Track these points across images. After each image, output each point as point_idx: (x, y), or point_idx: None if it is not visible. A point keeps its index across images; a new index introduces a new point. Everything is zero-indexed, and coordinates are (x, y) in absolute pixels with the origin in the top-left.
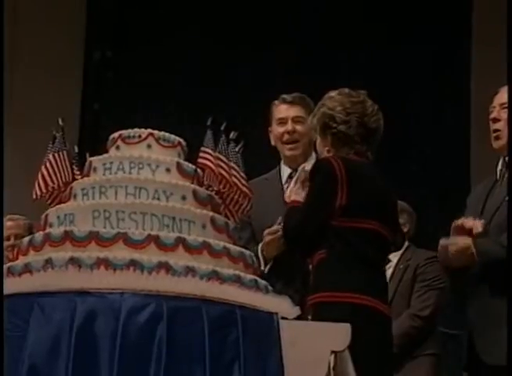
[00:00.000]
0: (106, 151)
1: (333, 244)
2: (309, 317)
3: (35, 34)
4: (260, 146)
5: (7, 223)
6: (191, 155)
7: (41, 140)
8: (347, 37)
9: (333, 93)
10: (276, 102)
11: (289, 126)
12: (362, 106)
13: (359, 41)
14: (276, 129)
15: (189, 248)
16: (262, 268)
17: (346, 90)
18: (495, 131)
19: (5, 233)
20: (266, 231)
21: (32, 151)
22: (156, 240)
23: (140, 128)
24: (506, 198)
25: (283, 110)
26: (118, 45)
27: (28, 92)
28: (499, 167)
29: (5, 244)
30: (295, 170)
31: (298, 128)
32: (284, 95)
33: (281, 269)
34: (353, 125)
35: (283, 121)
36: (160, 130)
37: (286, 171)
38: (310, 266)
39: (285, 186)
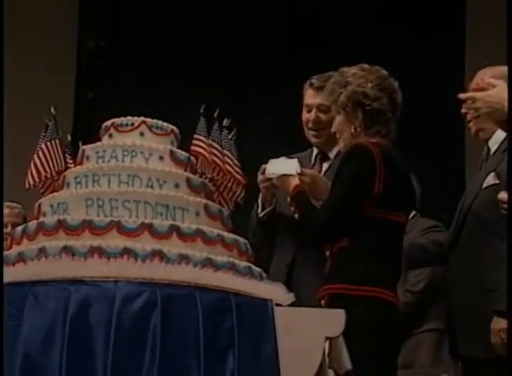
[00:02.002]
0: (100, 139)
1: (359, 233)
2: (323, 305)
3: (28, 24)
4: (255, 135)
5: (4, 211)
6: (184, 143)
7: (35, 130)
8: (347, 32)
9: (353, 69)
10: (306, 85)
11: (312, 114)
12: (390, 83)
13: (359, 38)
14: (303, 114)
15: (183, 236)
16: (259, 211)
17: (365, 65)
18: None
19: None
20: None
21: (26, 140)
22: (149, 228)
23: (134, 116)
24: (483, 186)
25: (309, 95)
26: (112, 34)
27: (21, 82)
28: (483, 154)
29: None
30: (322, 152)
31: (322, 116)
32: (314, 80)
33: (278, 221)
34: (384, 102)
35: (308, 108)
36: (153, 118)
37: (314, 151)
38: (327, 253)
39: (309, 167)
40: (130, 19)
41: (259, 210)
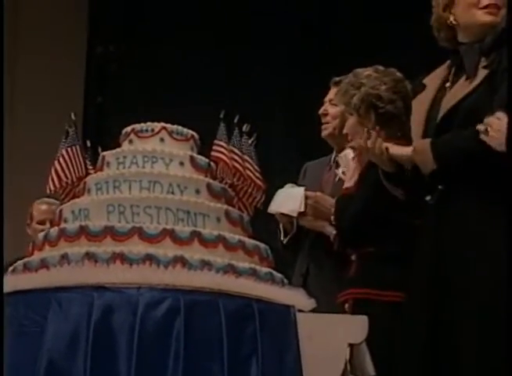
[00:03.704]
0: (117, 145)
1: (385, 238)
2: (346, 310)
3: (37, 29)
4: (265, 138)
5: (42, 207)
6: (204, 148)
7: (46, 132)
8: (360, 35)
9: (367, 71)
10: None
11: (322, 108)
12: (404, 86)
13: (373, 41)
14: None
15: (205, 242)
16: (282, 238)
17: (380, 67)
18: None
19: (40, 217)
20: None
21: (37, 143)
22: (171, 233)
23: (144, 120)
24: None
25: (330, 92)
26: (121, 38)
27: (31, 86)
28: None
29: (40, 227)
30: (338, 154)
31: (330, 110)
32: (336, 77)
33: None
34: (399, 105)
35: (324, 103)
36: (165, 123)
37: (334, 154)
38: (352, 257)
39: (327, 169)
40: (139, 23)
41: (282, 237)
